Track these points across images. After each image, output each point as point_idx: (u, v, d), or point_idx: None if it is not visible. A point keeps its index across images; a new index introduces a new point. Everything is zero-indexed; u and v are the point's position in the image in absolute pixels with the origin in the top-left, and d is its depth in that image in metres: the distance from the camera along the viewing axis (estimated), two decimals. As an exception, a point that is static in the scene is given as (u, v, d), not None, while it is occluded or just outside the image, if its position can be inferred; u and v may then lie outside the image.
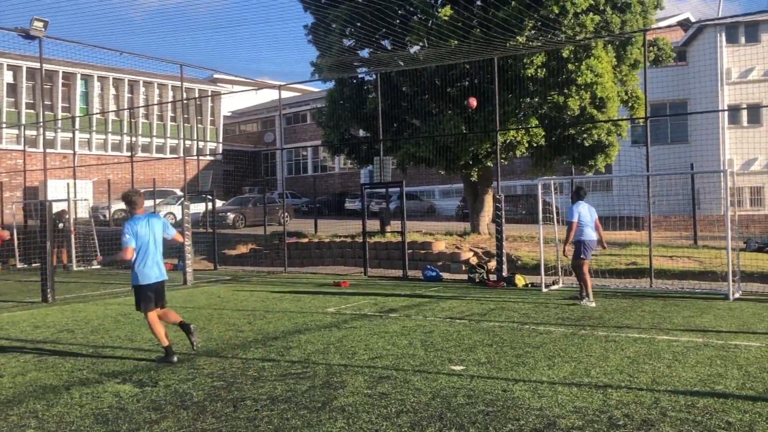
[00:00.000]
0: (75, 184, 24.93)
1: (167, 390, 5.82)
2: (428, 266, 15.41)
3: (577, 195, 10.83)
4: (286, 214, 21.94)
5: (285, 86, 20.14)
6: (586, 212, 10.68)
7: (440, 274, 15.03)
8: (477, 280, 14.01)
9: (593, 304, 10.38)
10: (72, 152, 34.63)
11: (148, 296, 7.05)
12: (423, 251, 17.05)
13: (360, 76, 20.67)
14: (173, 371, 6.51)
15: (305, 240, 19.95)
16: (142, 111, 41.82)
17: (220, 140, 45.99)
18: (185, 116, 43.30)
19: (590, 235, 10.65)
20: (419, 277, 15.19)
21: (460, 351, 7.20)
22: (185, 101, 40.83)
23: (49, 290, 11.83)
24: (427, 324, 8.97)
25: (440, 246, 17.36)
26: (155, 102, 42.17)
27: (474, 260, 16.18)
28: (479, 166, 18.87)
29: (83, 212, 25.14)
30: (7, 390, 5.92)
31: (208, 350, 7.53)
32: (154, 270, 7.08)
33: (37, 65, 37.22)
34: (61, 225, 20.12)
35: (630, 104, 18.81)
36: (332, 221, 25.57)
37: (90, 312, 10.69)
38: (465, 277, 14.75)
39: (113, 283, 15.45)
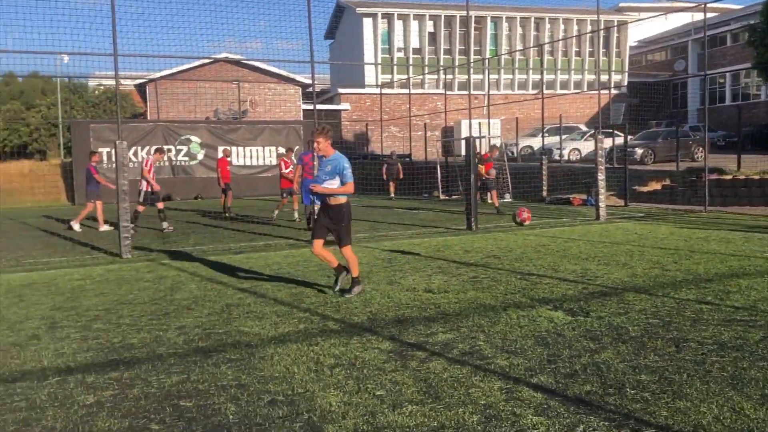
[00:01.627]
0: (489, 123, 26.52)
1: (600, 321, 5.77)
2: None
3: None
4: (701, 148, 19.93)
5: (710, 5, 17.92)
6: None
7: None
8: None
9: None
10: (483, 93, 37.04)
11: None
12: None
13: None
14: (603, 303, 6.44)
15: (728, 177, 17.88)
16: (547, 48, 42.22)
17: (626, 72, 43.88)
18: (590, 50, 42.38)
19: None
20: None
21: None
22: (590, 33, 39.83)
23: (473, 219, 12.87)
24: None
25: None
26: (560, 38, 42.14)
27: None
28: None
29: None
30: (453, 305, 6.59)
31: (636, 286, 7.26)
32: None
33: (451, 13, 40.35)
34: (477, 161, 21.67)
35: None
36: (759, 156, 22.39)
37: (510, 241, 11.32)
38: None
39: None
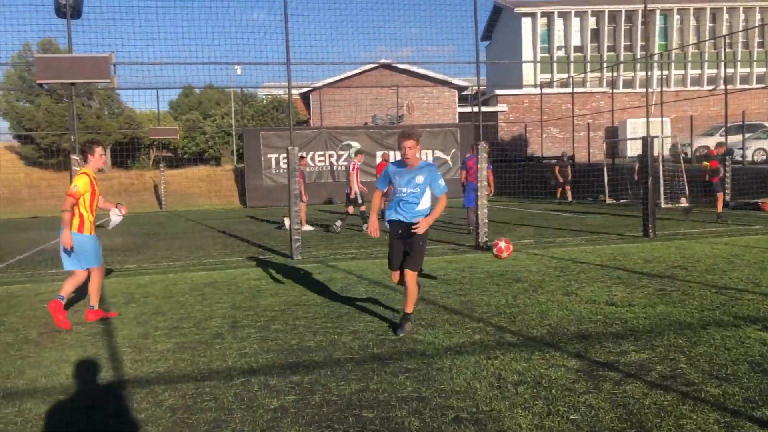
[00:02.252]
0: (662, 121, 24.82)
1: (827, 348, 4.97)
2: None
3: None
4: None
5: None
6: None
7: None
8: None
9: None
10: (652, 90, 34.71)
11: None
12: None
13: None
14: (825, 326, 5.57)
15: None
16: (726, 40, 38.89)
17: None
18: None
19: None
20: None
21: None
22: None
23: (650, 225, 11.93)
24: None
25: None
26: (740, 29, 38.61)
27: None
28: None
29: (665, 150, 24.93)
30: (642, 320, 6.01)
31: None
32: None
33: (616, 8, 38.31)
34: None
35: None
36: None
37: (696, 250, 10.32)
38: None
39: (710, 222, 14.70)
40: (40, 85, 9.72)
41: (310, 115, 35.77)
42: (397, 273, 6.00)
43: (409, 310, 5.88)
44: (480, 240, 11.33)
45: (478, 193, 11.41)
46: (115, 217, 7.24)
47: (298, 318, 6.62)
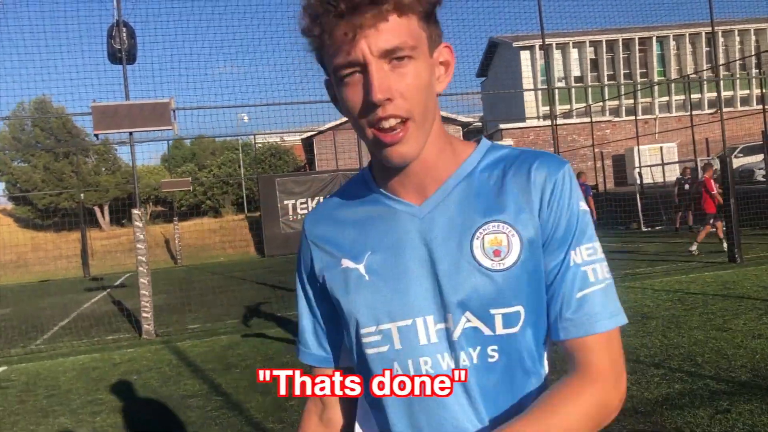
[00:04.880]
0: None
1: None
2: None
3: None
4: None
5: None
6: None
7: None
8: None
9: None
10: (654, 117, 34.76)
11: None
12: None
13: None
14: None
15: None
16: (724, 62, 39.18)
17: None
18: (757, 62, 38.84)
19: None
20: None
21: None
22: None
23: (737, 250, 11.34)
24: None
25: None
26: (736, 51, 38.99)
27: None
28: None
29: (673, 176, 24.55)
30: None
31: None
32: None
33: (614, 37, 38.54)
34: (687, 186, 19.82)
35: None
36: None
37: (804, 273, 9.72)
38: None
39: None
40: (96, 136, 9.03)
41: (315, 159, 35.21)
42: None
43: None
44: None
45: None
46: None
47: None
